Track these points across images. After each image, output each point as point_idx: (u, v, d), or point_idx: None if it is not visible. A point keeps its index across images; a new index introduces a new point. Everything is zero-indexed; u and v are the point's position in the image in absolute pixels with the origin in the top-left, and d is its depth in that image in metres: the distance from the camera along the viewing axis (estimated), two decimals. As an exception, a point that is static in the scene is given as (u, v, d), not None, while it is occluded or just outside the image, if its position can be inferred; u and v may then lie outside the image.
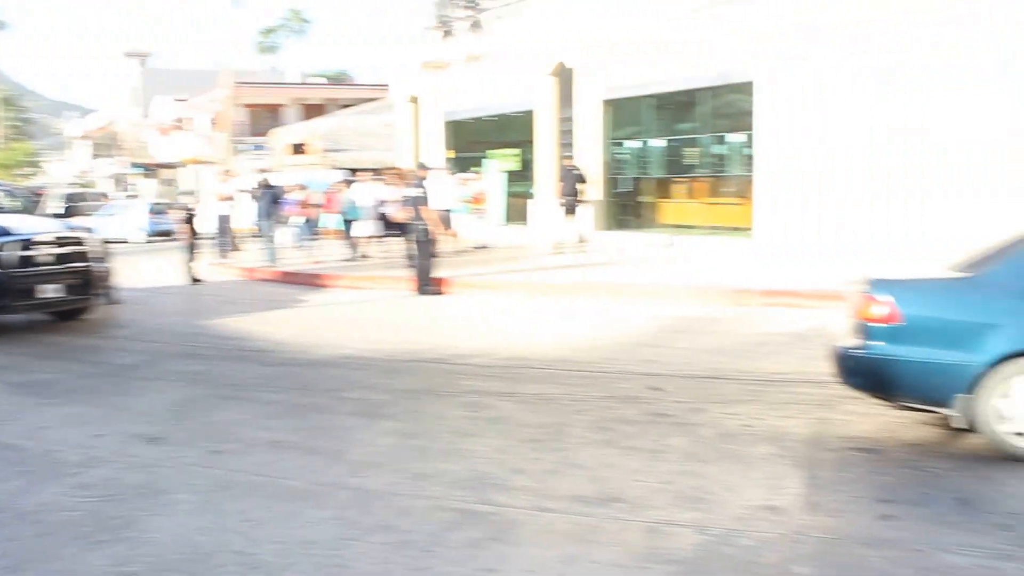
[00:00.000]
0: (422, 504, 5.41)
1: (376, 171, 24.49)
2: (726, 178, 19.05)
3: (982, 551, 4.68)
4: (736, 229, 18.65)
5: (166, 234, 29.97)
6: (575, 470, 5.97)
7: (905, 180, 15.68)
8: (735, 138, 18.46)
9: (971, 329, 6.12)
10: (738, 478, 5.77)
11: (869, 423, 6.94)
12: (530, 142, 23.17)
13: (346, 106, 46.79)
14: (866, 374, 6.45)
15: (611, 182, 21.37)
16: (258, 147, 42.47)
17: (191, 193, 22.29)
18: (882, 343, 6.29)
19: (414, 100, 28.11)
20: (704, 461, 6.09)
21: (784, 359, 9.13)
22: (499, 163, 24.61)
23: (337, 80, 65.21)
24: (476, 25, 25.14)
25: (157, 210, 34.33)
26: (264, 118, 48.18)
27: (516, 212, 23.77)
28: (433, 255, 15.08)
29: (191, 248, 18.44)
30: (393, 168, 24.46)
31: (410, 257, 15.63)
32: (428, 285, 14.88)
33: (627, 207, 21.46)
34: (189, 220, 18.95)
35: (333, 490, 5.69)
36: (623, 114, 21.13)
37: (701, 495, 5.47)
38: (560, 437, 6.69)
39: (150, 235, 32.65)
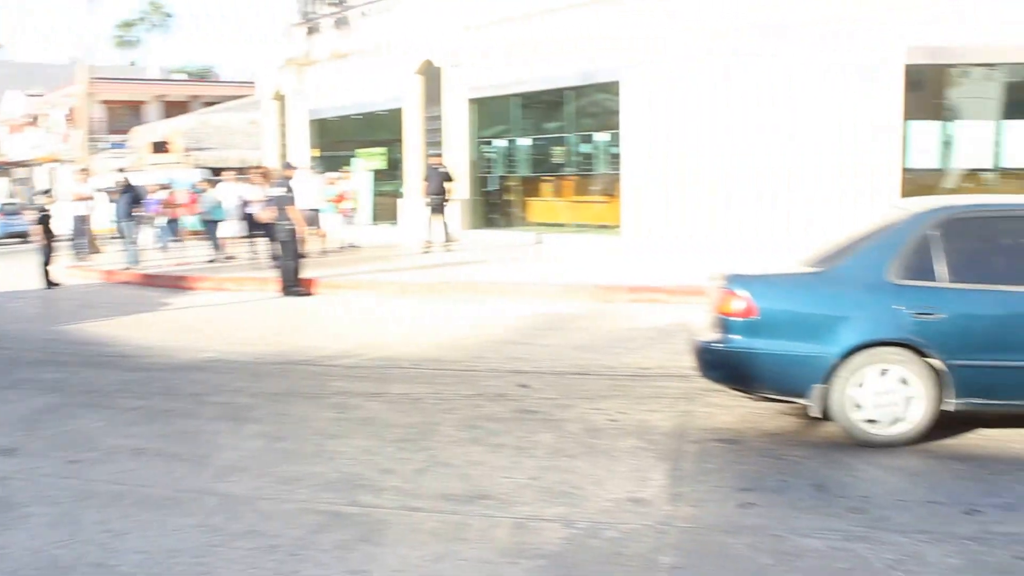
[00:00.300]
0: (289, 508, 5.36)
1: (241, 170, 24.04)
2: (594, 176, 19.33)
3: (836, 533, 4.87)
4: (604, 227, 18.96)
5: (20, 236, 28.91)
6: (443, 469, 5.99)
7: (767, 179, 16.21)
8: (602, 137, 18.76)
9: (824, 321, 6.36)
10: (604, 472, 5.87)
11: (731, 415, 7.14)
12: (398, 141, 23.11)
13: (210, 103, 45.86)
14: (726, 367, 6.64)
15: (479, 181, 21.47)
16: (117, 145, 41.23)
17: (46, 193, 21.43)
18: (740, 337, 6.47)
19: (279, 98, 27.72)
20: (571, 456, 6.18)
21: (649, 354, 9.32)
22: (366, 162, 24.46)
23: (201, 76, 63.74)
24: (342, 22, 24.92)
25: (9, 211, 33.10)
26: (124, 115, 46.81)
27: (386, 211, 23.68)
28: (299, 255, 14.88)
29: (47, 250, 17.75)
30: (258, 167, 24.07)
31: (275, 258, 15.41)
32: (294, 286, 14.69)
33: (496, 206, 21.60)
34: (44, 221, 18.21)
35: (198, 497, 5.58)
36: (490, 113, 21.25)
37: (568, 490, 5.55)
38: (429, 436, 6.70)
39: (2, 237, 31.46)
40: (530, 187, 20.99)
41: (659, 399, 7.62)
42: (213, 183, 22.10)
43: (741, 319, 6.45)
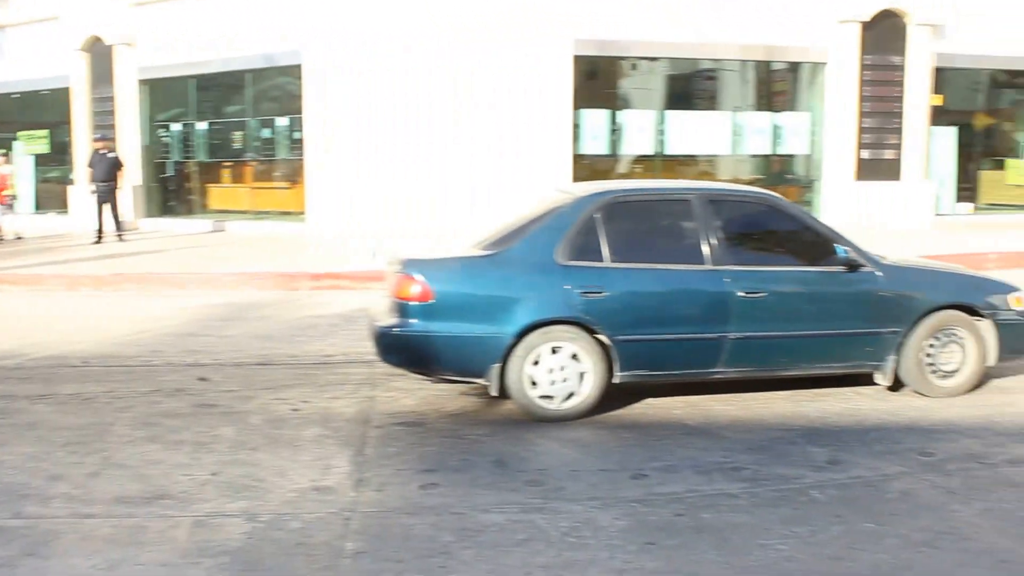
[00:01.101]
0: (-58, 524, 4.96)
1: None
2: (277, 162, 19.05)
3: (515, 506, 5.08)
4: (288, 213, 18.73)
5: None
6: (118, 470, 5.73)
7: (449, 166, 16.55)
8: (285, 121, 18.49)
9: (498, 303, 6.58)
10: (288, 462, 5.82)
11: (413, 398, 7.27)
12: (66, 123, 21.74)
13: None
14: (405, 351, 6.72)
15: (156, 166, 20.63)
16: None
17: None
18: (417, 321, 6.58)
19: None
20: (253, 449, 6.09)
21: (333, 341, 9.32)
22: (28, 145, 22.88)
23: None
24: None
25: None
26: None
27: (54, 199, 22.27)
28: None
29: None
30: None
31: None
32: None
33: (174, 192, 20.83)
34: None
35: None
36: (166, 95, 20.44)
37: (250, 483, 5.47)
38: (102, 437, 6.38)
39: None
40: (210, 173, 20.38)
41: (342, 386, 7.64)
42: None
43: (417, 303, 6.55)
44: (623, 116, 18.02)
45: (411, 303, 6.57)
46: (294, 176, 18.70)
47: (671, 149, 18.24)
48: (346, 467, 5.74)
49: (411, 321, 6.59)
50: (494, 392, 6.63)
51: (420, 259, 6.82)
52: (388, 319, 6.78)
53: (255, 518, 4.95)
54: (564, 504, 5.14)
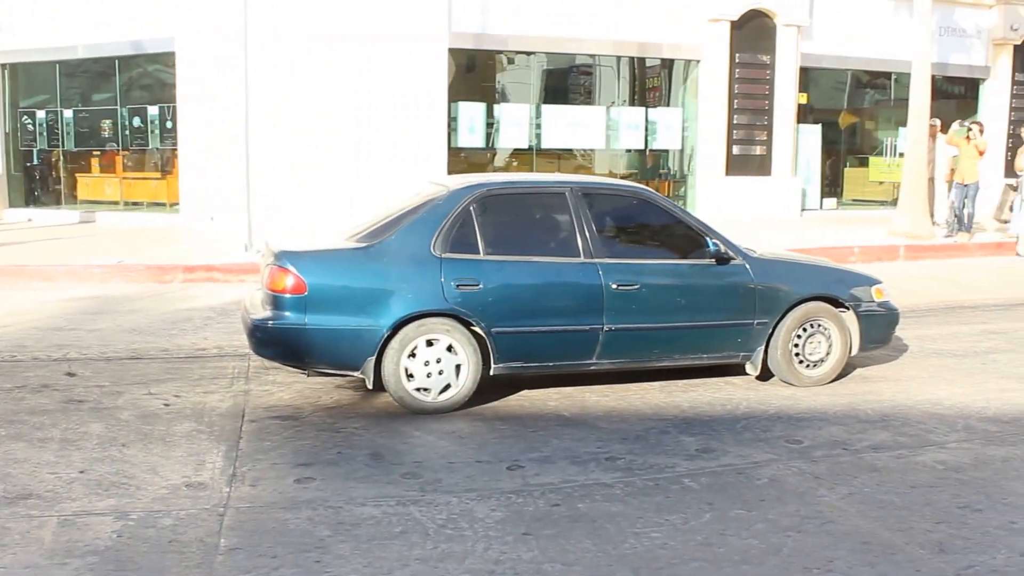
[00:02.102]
0: None
1: None
2: (150, 152, 18.55)
3: (392, 499, 5.06)
4: (160, 205, 18.29)
5: None
6: (-22, 470, 5.51)
7: (329, 158, 16.35)
8: (158, 110, 18.00)
9: (373, 295, 6.54)
10: (159, 458, 5.68)
11: (288, 392, 7.17)
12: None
13: None
14: (279, 345, 6.62)
15: (21, 155, 19.86)
16: None
17: None
18: (291, 313, 6.49)
19: None
20: (123, 445, 5.91)
21: (206, 335, 9.11)
22: None
23: None
24: None
25: None
26: None
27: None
28: None
29: None
30: None
31: None
32: None
33: (40, 182, 20.10)
34: None
35: None
36: (31, 80, 19.70)
37: (120, 480, 5.31)
38: (-39, 436, 6.13)
39: None
40: (79, 162, 19.69)
41: (216, 380, 7.49)
42: None
43: (291, 296, 6.47)
44: (499, 110, 18.07)
45: (285, 295, 6.48)
46: (167, 166, 18.24)
47: (547, 143, 18.38)
48: (220, 462, 5.63)
49: (285, 314, 6.50)
50: (370, 385, 6.59)
51: (294, 251, 6.72)
52: (262, 312, 6.68)
53: (125, 516, 4.81)
54: (441, 496, 5.14)
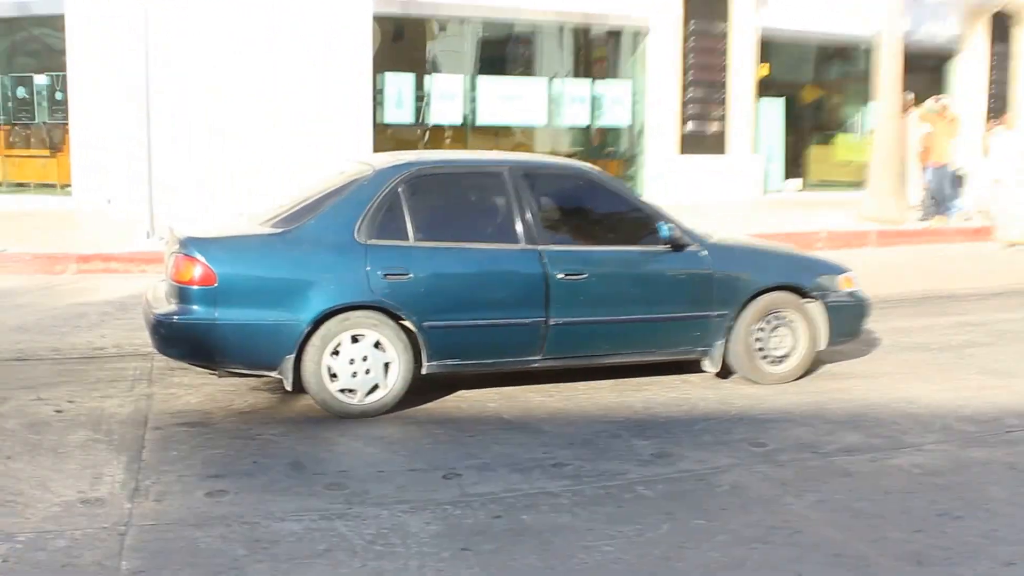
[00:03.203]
0: None
1: None
2: (37, 126, 18.21)
3: (315, 513, 5.03)
4: (51, 186, 17.98)
5: None
6: None
7: (239, 134, 16.19)
8: (46, 79, 17.67)
9: (291, 286, 6.50)
10: (50, 472, 5.58)
11: (197, 395, 7.10)
12: None
13: None
14: (186, 342, 6.57)
15: None
16: None
17: None
18: (199, 307, 6.43)
19: None
20: (8, 458, 5.79)
21: (103, 332, 8.99)
22: None
23: None
24: None
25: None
26: None
27: None
28: None
29: None
30: None
31: None
32: None
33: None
34: None
35: None
36: None
37: (6, 498, 5.20)
38: None
39: None
40: (-46, 138, 19.33)
41: (116, 383, 7.39)
42: None
43: (199, 287, 6.41)
44: (431, 81, 18.03)
45: (192, 287, 6.42)
46: (57, 143, 17.93)
47: (483, 118, 18.38)
48: (120, 475, 5.55)
49: (192, 308, 6.43)
50: (289, 386, 6.55)
51: (202, 237, 6.66)
52: (166, 306, 6.61)
53: (12, 538, 4.71)
54: (369, 509, 5.12)
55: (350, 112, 16.74)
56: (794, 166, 21.54)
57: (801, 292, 7.58)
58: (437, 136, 18.62)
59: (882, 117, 16.98)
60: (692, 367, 7.67)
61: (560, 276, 6.86)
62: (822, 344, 7.68)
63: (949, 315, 10.39)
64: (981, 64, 22.16)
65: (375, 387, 6.62)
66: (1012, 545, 4.80)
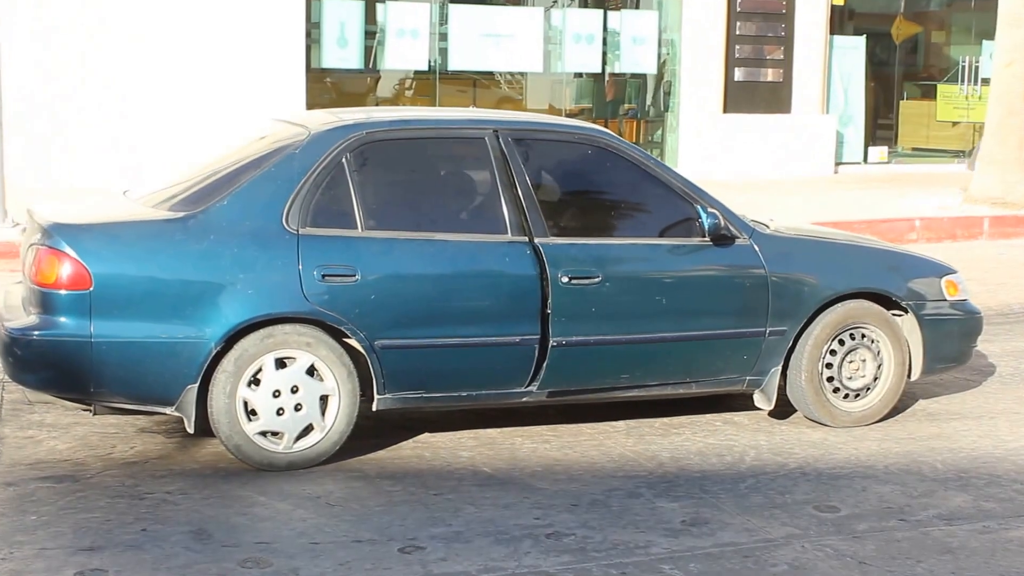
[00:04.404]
0: None
1: None
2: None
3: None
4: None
5: None
6: None
7: (138, 82, 16.20)
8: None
9: (194, 292, 6.47)
10: None
11: (66, 439, 7.11)
12: None
13: None
14: (50, 366, 6.51)
15: None
16: None
17: None
18: (68, 319, 6.38)
19: None
20: None
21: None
22: None
23: None
24: None
25: None
26: None
27: None
28: None
29: None
30: None
31: None
32: None
33: None
34: None
35: None
36: None
37: None
38: None
39: None
40: None
41: (-47, 421, 7.43)
42: None
43: (68, 292, 6.36)
44: (385, 12, 17.95)
45: (59, 292, 6.39)
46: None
47: (457, 63, 18.34)
48: (-41, 547, 5.58)
49: (59, 320, 6.40)
50: (191, 428, 6.56)
51: (72, 223, 6.65)
52: (24, 318, 6.60)
53: None
54: (300, 595, 5.14)
55: (273, 53, 16.71)
56: (879, 129, 21.55)
57: (888, 301, 7.61)
58: (394, 86, 18.63)
59: (1002, 63, 16.96)
60: (738, 403, 7.72)
61: (563, 280, 6.88)
62: (916, 373, 7.71)
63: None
64: None
65: (308, 428, 6.63)
66: None
